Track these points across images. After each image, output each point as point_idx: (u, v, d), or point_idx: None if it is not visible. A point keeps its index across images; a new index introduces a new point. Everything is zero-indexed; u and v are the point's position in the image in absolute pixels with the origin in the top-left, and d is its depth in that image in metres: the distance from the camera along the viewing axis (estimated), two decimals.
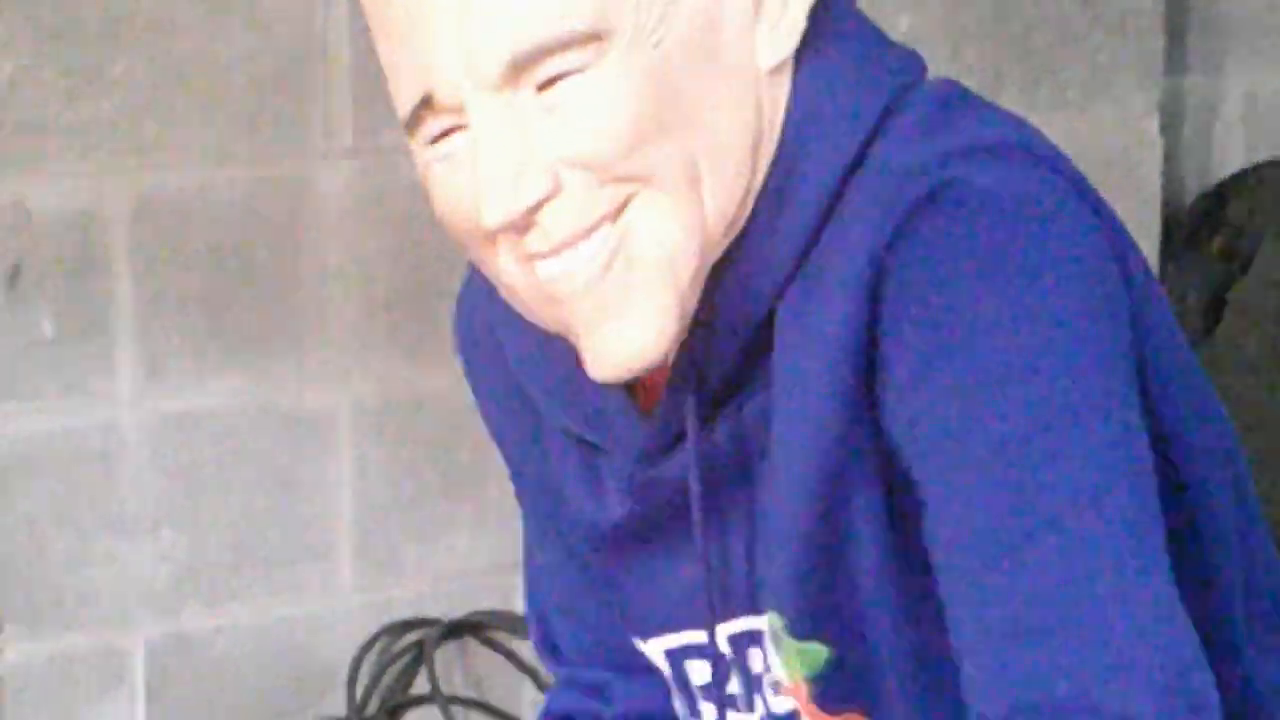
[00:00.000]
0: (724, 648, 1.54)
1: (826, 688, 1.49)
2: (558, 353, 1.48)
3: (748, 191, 1.42)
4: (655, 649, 1.60)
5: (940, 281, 1.35)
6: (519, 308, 1.44)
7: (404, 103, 1.36)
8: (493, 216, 1.32)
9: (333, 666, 3.11)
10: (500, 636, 3.21)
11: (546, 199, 1.33)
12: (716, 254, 1.41)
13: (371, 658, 3.13)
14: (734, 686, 1.58)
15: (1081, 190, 1.41)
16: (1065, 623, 1.29)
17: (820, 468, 1.40)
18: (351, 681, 3.11)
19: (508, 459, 1.69)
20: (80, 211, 2.87)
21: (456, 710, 3.18)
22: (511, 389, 1.61)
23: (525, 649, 3.11)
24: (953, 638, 1.35)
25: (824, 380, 1.38)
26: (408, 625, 3.14)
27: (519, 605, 3.08)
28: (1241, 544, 1.54)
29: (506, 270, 1.40)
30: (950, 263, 1.34)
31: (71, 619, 2.94)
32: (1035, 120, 1.50)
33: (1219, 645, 1.47)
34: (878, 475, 1.40)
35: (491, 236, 1.37)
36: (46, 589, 2.92)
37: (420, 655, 3.14)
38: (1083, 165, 1.46)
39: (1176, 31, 3.43)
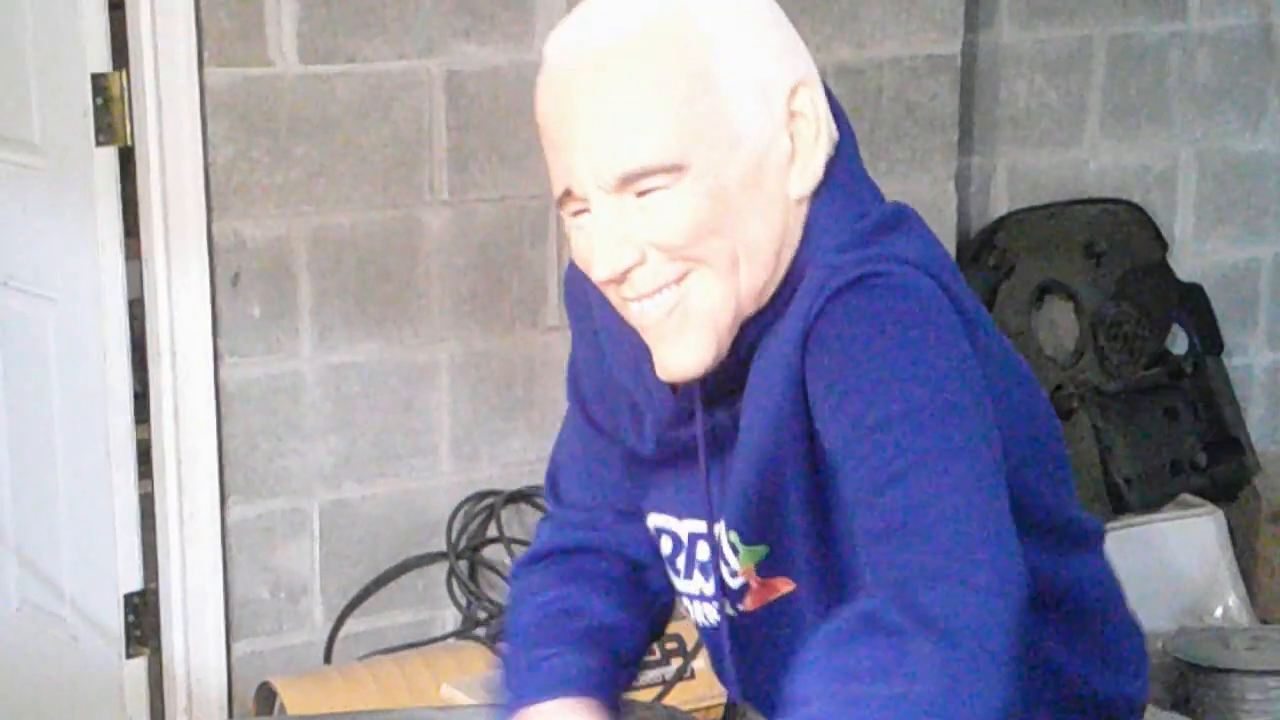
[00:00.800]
0: (692, 535, 1.51)
1: (765, 566, 1.46)
2: (632, 347, 1.47)
3: (771, 279, 1.39)
4: (651, 521, 1.56)
5: (847, 336, 1.33)
6: (624, 314, 1.43)
7: (556, 189, 1.39)
8: (599, 274, 1.36)
9: (437, 520, 3.15)
10: (540, 502, 3.16)
11: (634, 266, 1.35)
12: (748, 314, 1.40)
13: (461, 515, 3.15)
14: (685, 566, 1.53)
15: (941, 280, 1.38)
16: (923, 535, 1.25)
17: (768, 442, 1.40)
18: (449, 529, 3.15)
19: (577, 382, 1.62)
20: (276, 239, 2.95)
21: (515, 547, 3.15)
22: (593, 345, 1.56)
23: None
24: (859, 546, 1.31)
25: (775, 392, 1.38)
26: (483, 495, 3.17)
27: None
28: (1051, 485, 1.51)
29: (616, 303, 1.42)
30: (845, 324, 1.33)
31: (272, 492, 3.03)
32: (878, 181, 1.49)
33: (1065, 549, 1.51)
34: (803, 449, 1.37)
35: (601, 284, 1.40)
36: (257, 473, 3.01)
37: (492, 513, 3.18)
38: None
39: (966, 127, 3.41)
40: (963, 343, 1.35)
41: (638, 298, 1.38)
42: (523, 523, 3.24)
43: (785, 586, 1.46)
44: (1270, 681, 3.05)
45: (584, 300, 1.55)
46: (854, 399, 1.32)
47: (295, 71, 2.93)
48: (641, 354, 1.45)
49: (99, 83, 2.91)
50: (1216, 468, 3.60)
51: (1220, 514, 3.56)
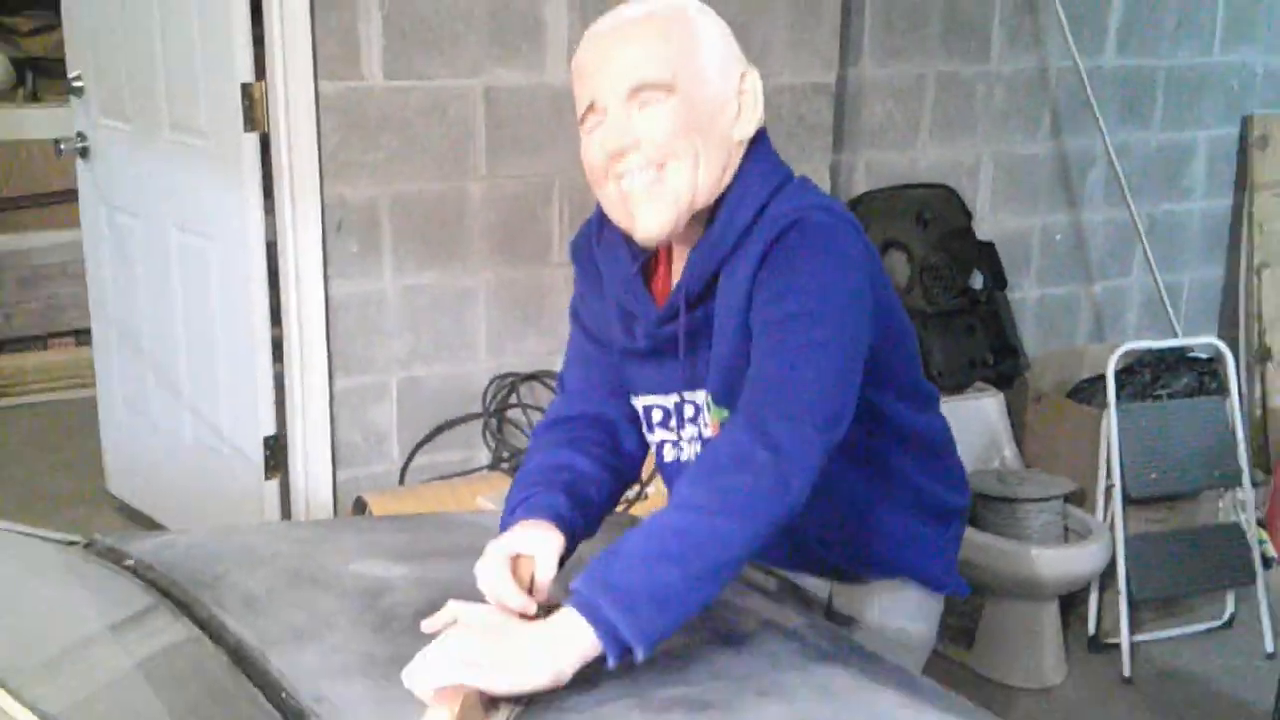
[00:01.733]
0: (677, 403, 1.50)
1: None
2: (624, 273, 1.47)
3: (715, 189, 1.39)
4: (639, 402, 1.54)
5: (787, 254, 1.34)
6: (609, 213, 1.42)
7: (580, 108, 1.39)
8: (609, 148, 1.35)
9: (476, 391, 3.12)
10: (547, 381, 3.19)
11: (629, 150, 1.35)
12: (699, 207, 1.39)
13: (492, 388, 3.13)
14: (676, 426, 1.51)
15: (855, 225, 1.40)
16: (785, 388, 1.30)
17: (734, 332, 1.38)
18: (484, 398, 3.13)
19: (580, 309, 1.59)
20: (368, 199, 2.91)
21: (528, 411, 3.16)
22: (595, 280, 1.54)
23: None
24: (744, 391, 1.33)
25: (740, 298, 1.37)
26: (506, 375, 3.14)
27: (556, 367, 3.10)
28: (906, 367, 1.51)
29: (608, 189, 1.39)
30: (792, 248, 1.34)
31: (364, 371, 2.99)
32: None
33: (916, 406, 1.53)
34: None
35: (605, 167, 1.38)
36: (354, 358, 2.97)
37: (513, 388, 3.15)
38: None
39: (838, 134, 3.40)
40: (860, 270, 1.37)
41: (628, 173, 1.37)
42: (534, 395, 3.22)
43: None
44: (1030, 506, 3.07)
45: (588, 250, 1.54)
46: (770, 302, 1.34)
47: (381, 85, 2.89)
48: (635, 279, 1.46)
49: (246, 89, 2.88)
50: (1000, 365, 3.63)
51: (1001, 396, 3.59)
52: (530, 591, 1.31)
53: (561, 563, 1.36)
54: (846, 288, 1.35)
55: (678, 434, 1.52)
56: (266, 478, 3.07)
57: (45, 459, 4.17)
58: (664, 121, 1.36)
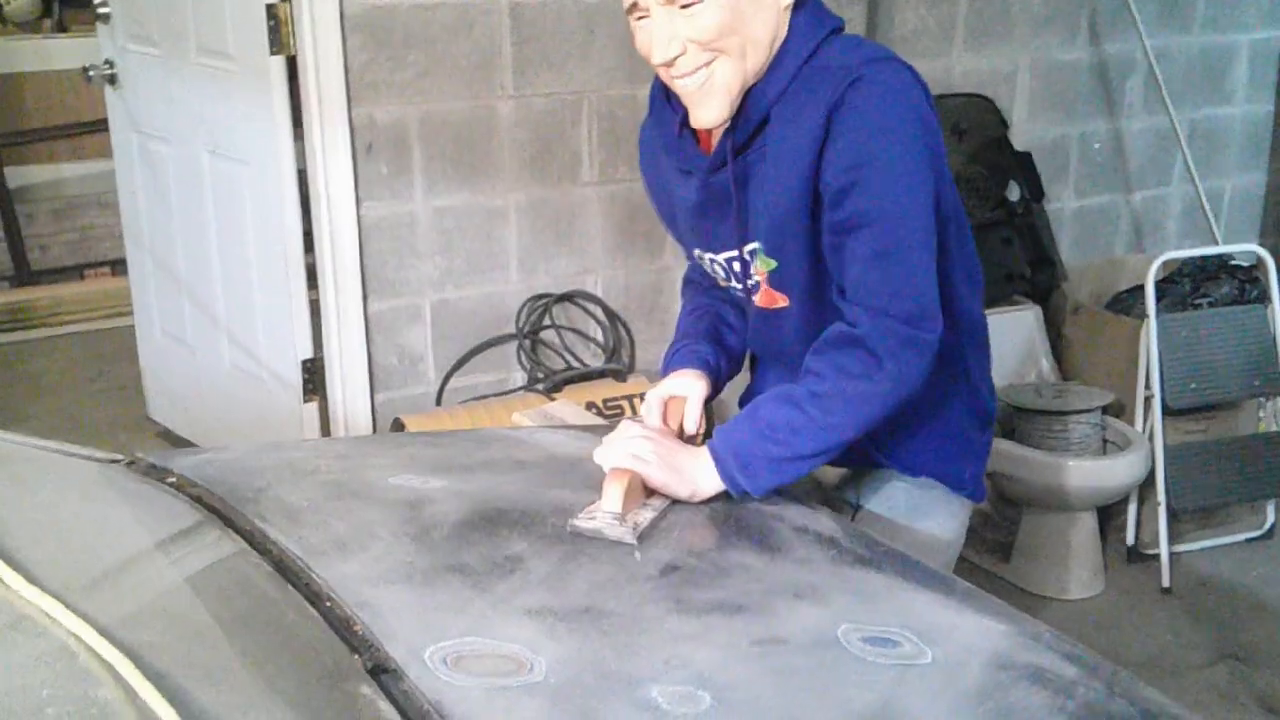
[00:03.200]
0: (736, 258, 1.53)
1: (772, 278, 1.50)
2: (673, 136, 1.52)
3: (766, 61, 1.42)
4: (705, 258, 1.59)
5: (858, 124, 1.35)
6: (672, 87, 1.47)
7: (626, 4, 1.42)
8: (657, 59, 1.41)
9: (509, 313, 3.13)
10: (580, 301, 3.20)
11: (678, 56, 1.40)
12: (752, 83, 1.42)
13: (525, 309, 3.13)
14: (741, 278, 1.56)
15: (922, 83, 1.40)
16: (878, 289, 1.37)
17: (789, 180, 1.41)
18: (517, 319, 3.13)
19: (657, 201, 1.64)
20: (396, 120, 2.90)
21: (562, 332, 3.17)
22: (659, 165, 1.59)
23: (593, 308, 3.25)
24: (836, 287, 1.43)
25: (800, 148, 1.39)
26: (539, 296, 3.15)
27: (589, 288, 3.22)
28: (961, 251, 1.51)
29: (662, 75, 1.45)
30: (862, 115, 1.35)
31: (398, 293, 3.01)
32: None
33: (972, 295, 1.55)
34: (812, 190, 1.40)
35: (655, 65, 1.43)
36: (387, 280, 2.98)
37: (546, 308, 3.15)
38: None
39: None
40: (931, 134, 1.39)
41: (681, 76, 1.42)
42: (567, 315, 3.22)
43: (781, 301, 1.53)
44: (1069, 419, 3.06)
45: (651, 147, 1.61)
46: (846, 190, 1.37)
47: (408, 1, 2.86)
48: (685, 131, 1.51)
49: (271, 11, 2.87)
50: (1037, 277, 3.59)
51: (1038, 309, 3.56)
52: (681, 428, 1.56)
53: (709, 401, 1.62)
54: (926, 151, 1.38)
55: (744, 285, 1.58)
56: (305, 401, 3.11)
57: (86, 388, 4.24)
58: (706, 20, 1.38)
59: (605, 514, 1.34)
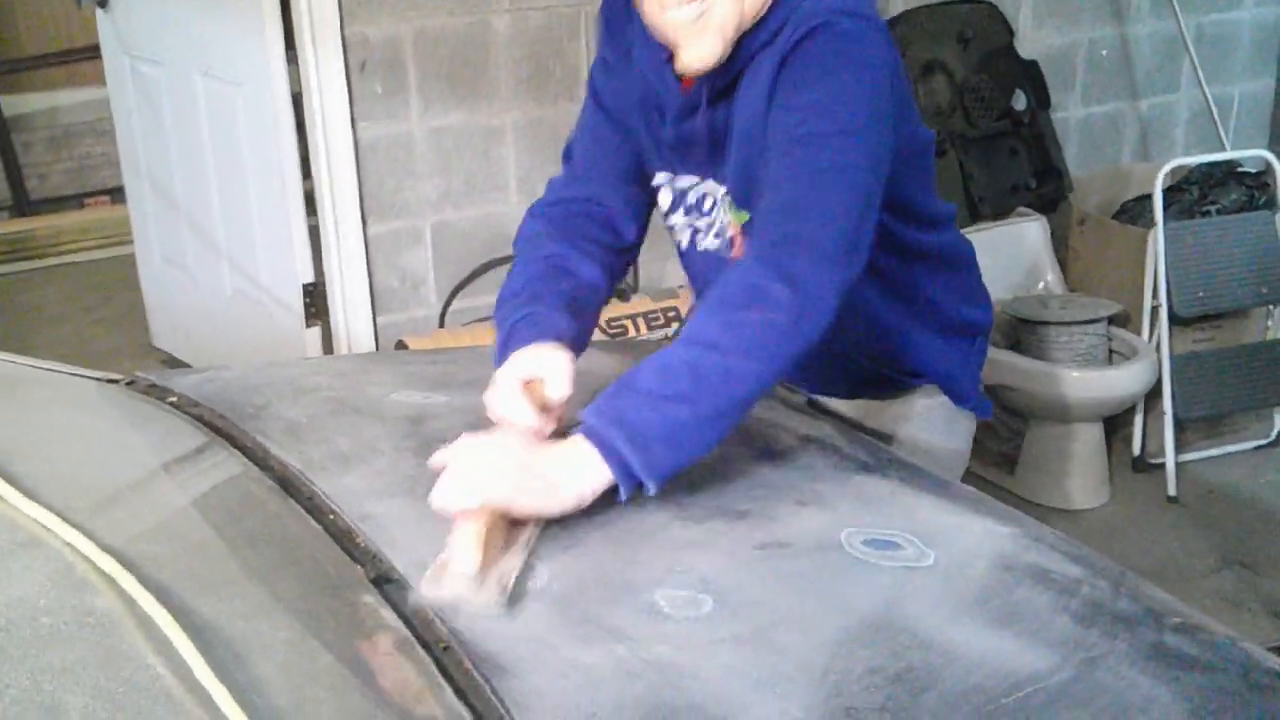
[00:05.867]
0: (695, 187, 1.45)
1: (746, 229, 1.39)
2: (659, 60, 1.39)
3: (761, 6, 1.32)
4: (658, 180, 1.48)
5: (805, 68, 1.29)
6: (651, 27, 1.36)
7: None
8: None
9: (509, 233, 2.96)
10: None
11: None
12: (744, 29, 1.33)
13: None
14: (696, 213, 1.47)
15: (883, 31, 1.34)
16: (803, 217, 1.25)
17: (754, 132, 1.34)
18: (516, 240, 3.20)
19: (600, 81, 1.50)
20: (391, 37, 2.86)
21: None
22: (625, 53, 1.46)
23: None
24: (758, 214, 1.31)
25: (759, 97, 1.32)
26: None
27: None
28: (924, 186, 1.48)
29: (652, 13, 1.33)
30: (813, 59, 1.29)
31: (397, 215, 2.99)
32: None
33: (930, 227, 1.51)
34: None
35: None
36: (386, 202, 2.96)
37: None
38: None
39: None
40: (885, 84, 1.32)
41: (676, 5, 1.30)
42: None
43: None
44: (1074, 329, 3.05)
45: (622, 18, 1.45)
46: (791, 114, 1.29)
47: None
48: (665, 66, 1.39)
49: None
50: (1043, 188, 3.56)
51: (1044, 220, 3.53)
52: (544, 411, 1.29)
53: None
54: (869, 108, 1.28)
55: (697, 221, 1.48)
56: (307, 325, 3.10)
57: (88, 316, 4.23)
58: None
59: (459, 576, 1.02)
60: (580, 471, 1.15)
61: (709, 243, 1.48)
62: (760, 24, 1.35)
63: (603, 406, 1.18)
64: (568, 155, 1.56)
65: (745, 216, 1.39)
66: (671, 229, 1.52)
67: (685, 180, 1.46)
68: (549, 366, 1.30)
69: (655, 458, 1.15)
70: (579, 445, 1.16)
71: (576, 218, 1.51)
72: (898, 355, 1.55)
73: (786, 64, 1.30)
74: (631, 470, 1.15)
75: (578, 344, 1.39)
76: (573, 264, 1.46)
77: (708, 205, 1.45)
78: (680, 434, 1.16)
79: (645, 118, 1.45)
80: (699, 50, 1.32)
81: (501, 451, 1.16)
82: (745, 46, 1.35)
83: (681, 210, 1.48)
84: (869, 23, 1.33)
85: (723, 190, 1.42)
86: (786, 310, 1.20)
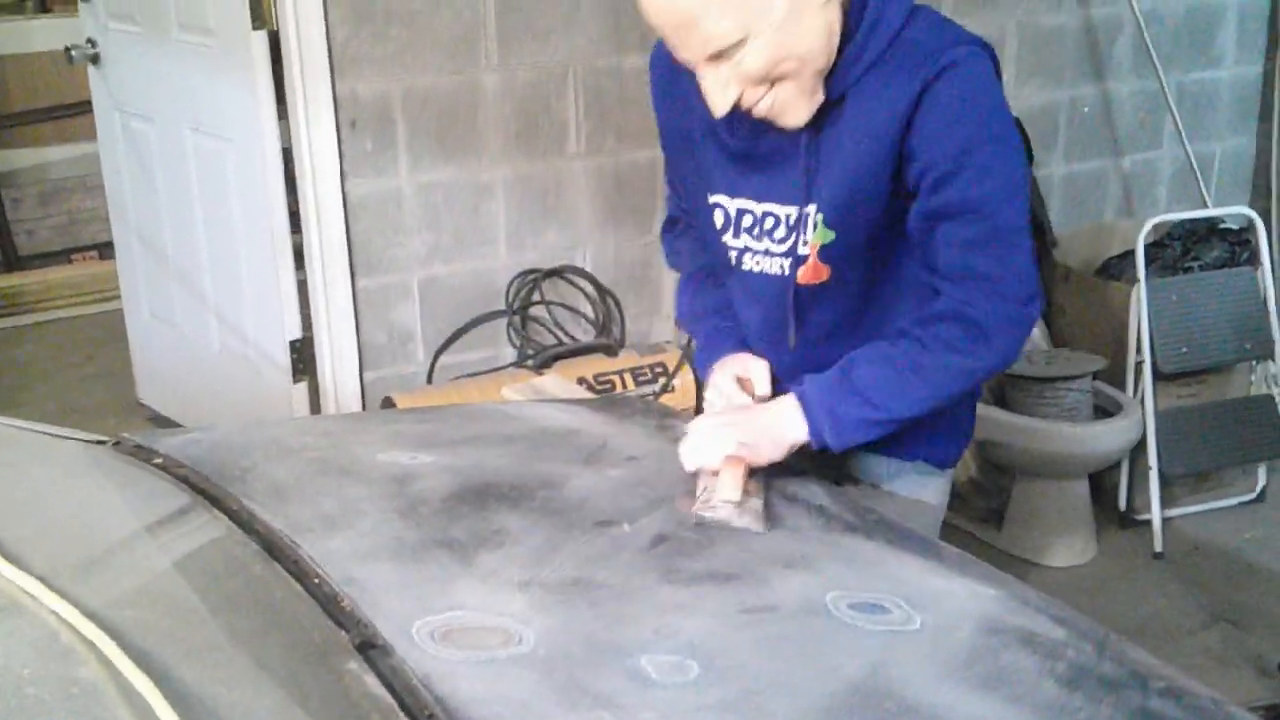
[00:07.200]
0: (766, 212, 1.50)
1: (824, 251, 1.46)
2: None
3: (832, 54, 1.38)
4: (715, 200, 1.53)
5: (958, 113, 1.36)
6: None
7: (683, 60, 1.39)
8: (719, 113, 1.39)
9: (498, 289, 3.12)
10: (570, 276, 3.18)
11: (737, 101, 1.38)
12: (824, 75, 1.39)
13: (514, 285, 3.13)
14: (757, 235, 1.52)
15: (998, 67, 1.41)
16: (990, 271, 1.37)
17: (866, 156, 1.40)
18: (506, 295, 3.12)
19: (664, 129, 1.61)
20: (380, 95, 2.89)
21: (552, 308, 3.16)
22: (677, 102, 1.54)
23: (582, 283, 3.25)
24: (934, 267, 1.41)
25: (880, 126, 1.38)
26: (528, 272, 3.13)
27: (578, 262, 3.21)
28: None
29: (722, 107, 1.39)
30: (961, 103, 1.36)
31: (386, 271, 3.00)
32: None
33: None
34: (889, 171, 1.40)
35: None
36: (375, 257, 2.97)
37: (535, 284, 3.14)
38: None
39: None
40: (1011, 117, 1.41)
41: (750, 109, 1.41)
42: (557, 290, 3.21)
43: (824, 275, 1.49)
44: (1059, 385, 3.05)
45: (670, 74, 1.54)
46: (945, 176, 1.37)
47: None
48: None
49: None
50: None
51: None
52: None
53: None
54: (1019, 155, 1.41)
55: (759, 243, 1.52)
56: (295, 381, 3.11)
57: (75, 372, 4.22)
58: (752, 64, 1.35)
59: (726, 504, 1.34)
60: (789, 426, 1.45)
61: (764, 263, 1.53)
62: (846, 49, 1.39)
63: (819, 386, 1.45)
64: (670, 219, 1.75)
65: (831, 236, 1.46)
66: (725, 249, 1.57)
67: (754, 205, 1.52)
68: (754, 370, 1.58)
69: (844, 437, 1.45)
70: (787, 407, 1.46)
71: (692, 229, 1.68)
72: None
73: (921, 104, 1.36)
74: (823, 438, 1.45)
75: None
76: (724, 298, 1.65)
77: (769, 224, 1.50)
78: (868, 428, 1.44)
79: (702, 141, 1.53)
80: (794, 118, 1.42)
81: (738, 419, 1.48)
82: (839, 78, 1.41)
83: (733, 231, 1.55)
84: (989, 58, 1.40)
85: (811, 209, 1.45)
86: (988, 357, 1.42)
